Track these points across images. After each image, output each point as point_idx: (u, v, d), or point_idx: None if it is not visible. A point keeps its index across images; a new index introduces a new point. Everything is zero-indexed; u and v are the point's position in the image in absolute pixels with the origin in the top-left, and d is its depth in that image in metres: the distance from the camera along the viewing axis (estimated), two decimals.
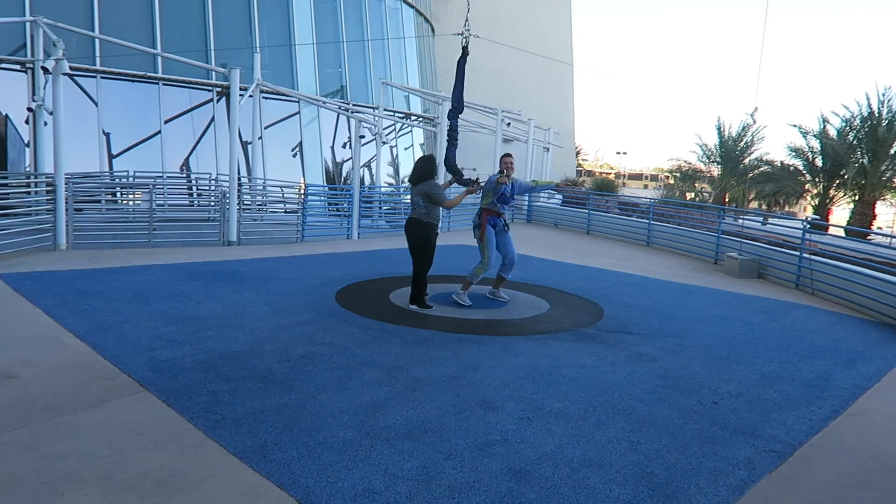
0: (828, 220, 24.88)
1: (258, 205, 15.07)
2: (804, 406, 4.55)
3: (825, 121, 28.04)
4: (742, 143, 33.08)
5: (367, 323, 6.05)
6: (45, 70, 10.86)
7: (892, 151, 25.59)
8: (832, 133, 27.55)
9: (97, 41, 13.96)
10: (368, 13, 20.50)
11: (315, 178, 18.44)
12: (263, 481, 3.10)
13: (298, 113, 18.09)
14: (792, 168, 29.55)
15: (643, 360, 5.36)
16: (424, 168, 6.74)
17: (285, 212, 14.96)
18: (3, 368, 4.36)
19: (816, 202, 28.19)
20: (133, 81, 15.06)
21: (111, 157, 14.79)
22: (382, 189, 19.62)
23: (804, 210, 35.13)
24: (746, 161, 32.93)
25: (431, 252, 6.69)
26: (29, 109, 12.18)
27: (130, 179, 14.66)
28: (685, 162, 35.59)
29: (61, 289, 6.74)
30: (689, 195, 35.13)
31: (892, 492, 3.42)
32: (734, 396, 4.64)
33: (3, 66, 13.21)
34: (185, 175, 16.08)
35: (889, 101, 25.50)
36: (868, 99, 29.21)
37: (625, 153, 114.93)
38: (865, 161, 25.81)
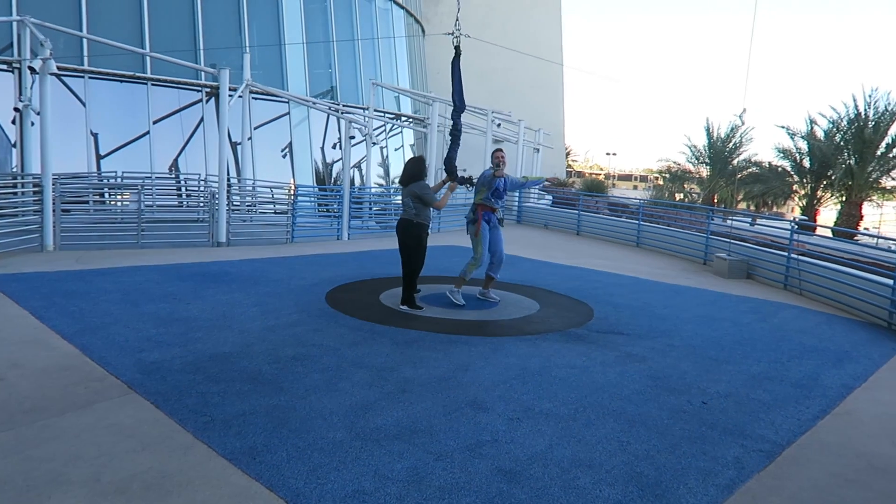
0: (815, 221, 25.11)
1: (248, 206, 15.02)
2: (792, 406, 4.58)
3: (813, 122, 28.38)
4: (731, 145, 33.35)
5: (356, 324, 6.04)
6: (33, 70, 10.76)
7: (878, 153, 25.86)
8: (819, 134, 27.84)
9: (85, 41, 13.87)
10: (358, 14, 20.48)
11: (305, 178, 18.40)
12: (253, 483, 3.08)
13: (288, 113, 18.04)
14: (780, 169, 29.81)
15: (633, 361, 5.37)
16: (414, 170, 6.75)
17: (275, 213, 14.91)
18: None
19: (804, 203, 28.43)
20: (121, 81, 14.97)
21: (99, 157, 14.69)
22: (372, 190, 19.61)
23: (792, 211, 35.43)
24: (735, 162, 33.19)
25: (422, 253, 6.70)
26: (16, 109, 12.08)
27: (119, 180, 14.57)
28: (674, 163, 35.88)
29: (48, 290, 6.67)
30: (679, 196, 35.35)
31: (879, 491, 3.45)
32: (723, 396, 4.66)
33: None
34: (174, 176, 15.99)
35: (875, 102, 25.81)
36: (855, 100, 29.61)
37: (614, 154, 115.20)
38: (852, 162, 26.05)
